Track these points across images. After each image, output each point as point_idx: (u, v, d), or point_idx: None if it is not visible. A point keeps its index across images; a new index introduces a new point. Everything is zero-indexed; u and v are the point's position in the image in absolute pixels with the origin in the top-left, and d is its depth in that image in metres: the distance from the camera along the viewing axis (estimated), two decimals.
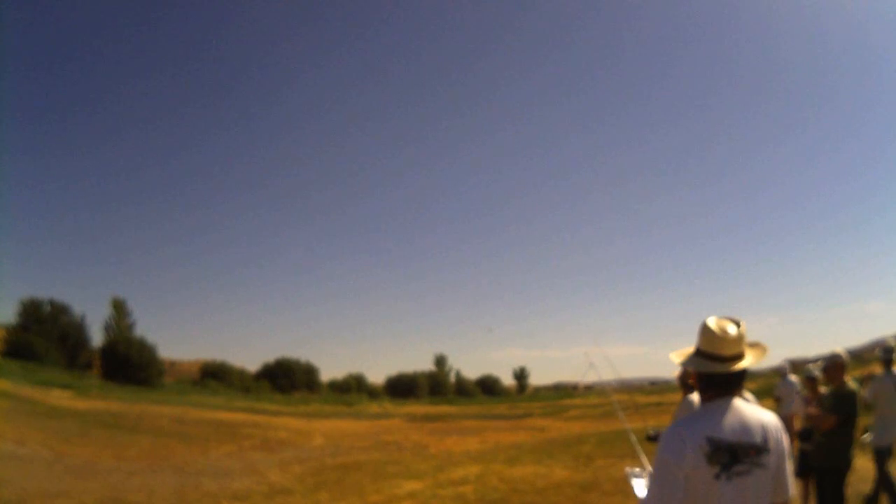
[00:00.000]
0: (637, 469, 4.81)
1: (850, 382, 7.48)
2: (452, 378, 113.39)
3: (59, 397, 41.26)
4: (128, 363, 63.85)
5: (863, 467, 9.11)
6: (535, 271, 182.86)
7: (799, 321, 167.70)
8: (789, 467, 3.19)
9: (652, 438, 5.08)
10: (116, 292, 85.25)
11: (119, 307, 72.01)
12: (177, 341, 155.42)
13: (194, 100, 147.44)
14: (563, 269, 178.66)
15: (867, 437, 8.46)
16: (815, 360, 8.56)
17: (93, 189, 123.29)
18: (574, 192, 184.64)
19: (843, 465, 7.27)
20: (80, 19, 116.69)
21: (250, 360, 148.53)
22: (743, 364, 3.18)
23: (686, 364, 3.32)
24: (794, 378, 12.56)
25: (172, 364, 78.45)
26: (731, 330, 3.20)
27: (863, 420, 8.12)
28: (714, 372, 3.17)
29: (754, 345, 3.35)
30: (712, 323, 3.24)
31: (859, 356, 69.43)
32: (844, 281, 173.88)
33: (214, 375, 78.63)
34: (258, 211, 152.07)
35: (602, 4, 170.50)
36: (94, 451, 22.15)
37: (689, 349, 3.34)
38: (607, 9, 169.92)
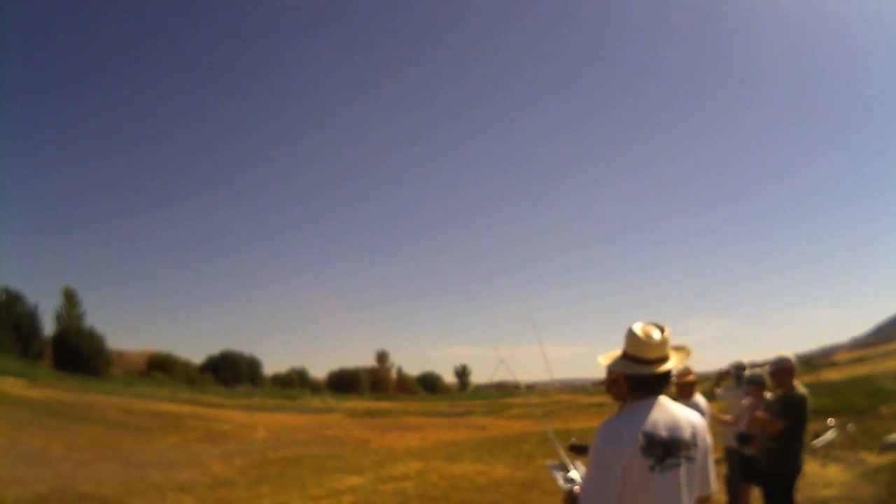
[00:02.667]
0: (557, 462, 4.76)
1: (800, 387, 7.35)
2: (394, 374, 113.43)
3: (13, 385, 40.69)
4: (78, 353, 63.11)
5: (812, 473, 9.27)
6: (477, 269, 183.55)
7: (748, 325, 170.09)
8: (712, 464, 3.39)
9: (575, 448, 5.14)
10: (68, 283, 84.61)
11: (70, 297, 71.02)
12: (124, 332, 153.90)
13: (152, 97, 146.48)
14: (509, 267, 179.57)
15: (817, 441, 8.34)
16: (762, 365, 8.57)
17: (50, 182, 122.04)
18: (519, 190, 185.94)
19: (792, 471, 7.23)
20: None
21: (195, 352, 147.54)
22: (667, 366, 3.34)
23: (613, 367, 3.47)
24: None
25: (120, 355, 77.30)
26: (656, 335, 3.37)
27: (812, 426, 8.09)
28: (639, 374, 3.32)
29: (679, 348, 3.52)
30: (638, 328, 3.41)
31: (808, 362, 70.72)
32: (795, 287, 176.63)
33: (160, 367, 77.84)
34: (206, 208, 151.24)
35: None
36: (45, 439, 21.96)
37: (617, 352, 3.49)
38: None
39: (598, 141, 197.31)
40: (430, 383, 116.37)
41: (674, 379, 7.63)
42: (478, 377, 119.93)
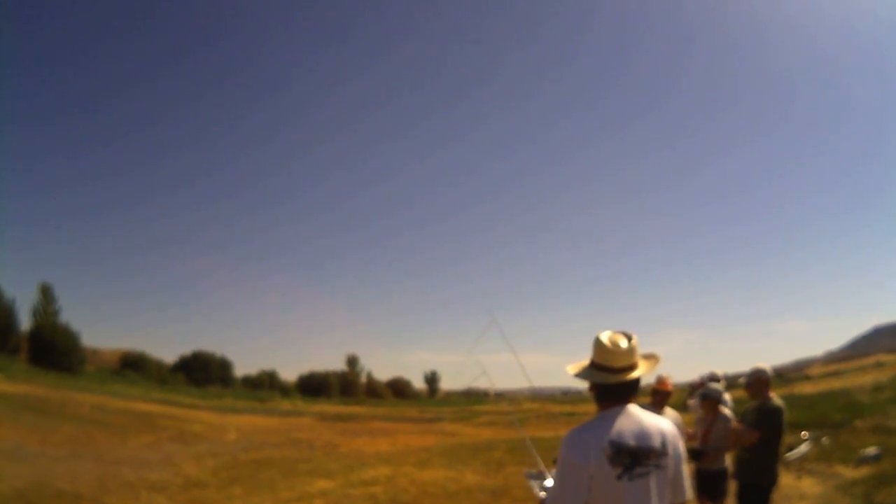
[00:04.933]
0: (534, 471, 4.82)
1: (776, 399, 7.27)
2: (363, 379, 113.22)
3: None
4: (53, 349, 62.26)
5: (786, 485, 9.30)
6: (448, 275, 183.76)
7: (719, 337, 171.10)
8: (686, 471, 3.31)
9: (533, 477, 4.90)
10: (43, 277, 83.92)
11: (46, 293, 70.04)
12: (97, 329, 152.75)
13: (124, 92, 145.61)
14: (478, 275, 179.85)
15: (791, 454, 8.06)
16: (738, 377, 8.49)
17: (27, 175, 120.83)
18: (490, 198, 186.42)
19: (767, 482, 7.13)
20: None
21: (167, 351, 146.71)
22: (635, 374, 3.30)
23: (580, 376, 3.41)
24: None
25: (94, 352, 76.43)
26: (623, 343, 3.32)
27: (786, 438, 8.03)
28: (607, 382, 3.29)
29: (648, 356, 3.49)
30: (605, 337, 3.37)
31: (781, 374, 70.94)
32: (769, 300, 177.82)
33: (133, 365, 77.08)
34: (179, 208, 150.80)
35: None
36: (21, 434, 21.91)
37: (585, 361, 3.44)
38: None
39: (567, 148, 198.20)
40: (399, 389, 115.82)
41: (652, 384, 7.67)
42: (447, 384, 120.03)
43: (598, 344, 3.36)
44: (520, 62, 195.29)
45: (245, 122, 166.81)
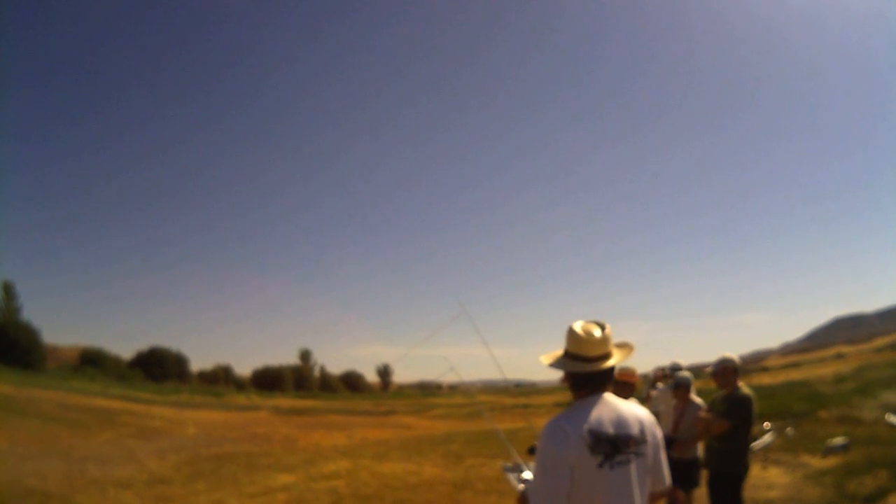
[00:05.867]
0: (511, 464, 4.86)
1: (744, 388, 7.26)
2: (317, 373, 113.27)
3: None
4: (15, 346, 62.00)
5: (753, 475, 9.41)
6: (399, 269, 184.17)
7: (675, 328, 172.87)
8: (664, 458, 3.34)
9: (510, 470, 5.04)
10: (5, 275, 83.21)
11: (8, 290, 69.92)
12: (55, 325, 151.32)
13: (88, 95, 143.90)
14: (432, 268, 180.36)
15: (754, 444, 7.68)
16: (705, 366, 8.61)
17: None
18: (443, 192, 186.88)
19: (740, 471, 7.16)
20: None
21: (124, 347, 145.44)
22: (609, 363, 3.29)
23: (554, 366, 3.40)
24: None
25: (54, 349, 76.05)
26: (596, 332, 3.31)
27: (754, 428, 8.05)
28: (581, 371, 3.28)
29: (622, 345, 3.49)
30: (578, 327, 3.36)
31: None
32: (726, 292, 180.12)
33: (92, 362, 76.37)
34: (133, 205, 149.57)
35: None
36: None
37: (558, 351, 3.42)
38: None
39: (532, 140, 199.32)
40: (352, 382, 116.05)
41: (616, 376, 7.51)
42: (401, 376, 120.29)
43: (571, 333, 3.36)
44: (485, 62, 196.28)
45: (191, 119, 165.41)
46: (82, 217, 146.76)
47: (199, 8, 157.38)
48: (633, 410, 3.26)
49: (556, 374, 3.51)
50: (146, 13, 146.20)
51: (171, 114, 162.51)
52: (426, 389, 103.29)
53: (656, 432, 3.30)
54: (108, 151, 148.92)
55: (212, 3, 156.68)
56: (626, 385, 7.33)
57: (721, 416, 7.24)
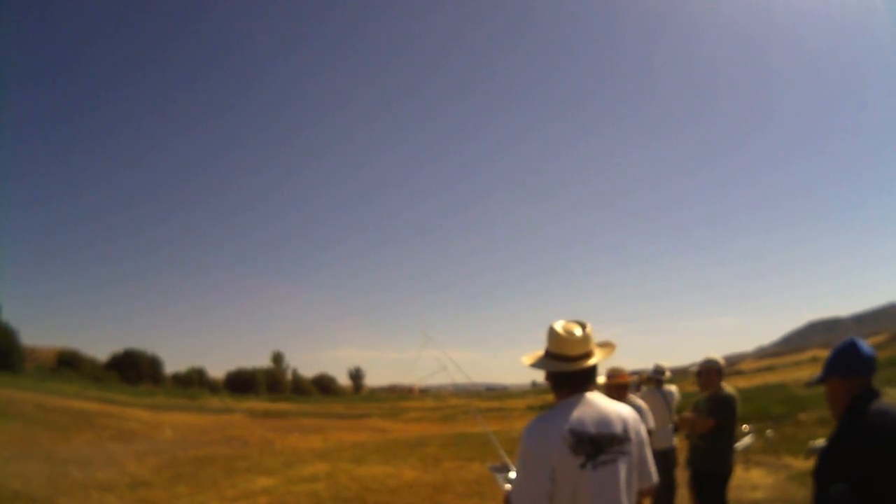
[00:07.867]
0: (498, 464, 4.73)
1: (728, 388, 7.29)
2: (289, 375, 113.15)
3: None
4: None
5: (736, 476, 9.54)
6: (370, 272, 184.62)
7: (647, 332, 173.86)
8: (650, 455, 3.28)
9: (497, 470, 5.15)
10: None
11: None
12: (33, 327, 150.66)
13: (70, 98, 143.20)
14: (400, 273, 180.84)
15: (738, 445, 7.89)
16: (689, 367, 8.69)
17: None
18: (415, 194, 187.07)
19: (725, 470, 7.15)
20: None
21: (99, 349, 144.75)
22: (591, 362, 3.25)
23: (536, 366, 3.35)
24: (671, 388, 10.01)
25: (32, 350, 75.71)
26: (577, 332, 3.28)
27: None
28: (563, 371, 3.24)
29: (604, 344, 3.44)
30: (559, 326, 3.33)
31: None
32: (699, 296, 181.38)
33: (69, 363, 76.28)
34: (109, 208, 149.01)
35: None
36: None
37: (539, 352, 3.39)
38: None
39: (499, 142, 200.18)
40: (324, 385, 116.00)
41: (604, 380, 7.41)
42: (371, 380, 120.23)
43: (552, 333, 3.33)
44: (455, 67, 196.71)
45: (165, 130, 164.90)
46: (60, 221, 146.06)
47: (199, 8, 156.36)
48: (617, 409, 3.20)
49: (527, 378, 3.48)
50: (142, 16, 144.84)
51: (146, 125, 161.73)
52: (398, 392, 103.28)
53: (641, 429, 3.25)
54: (85, 157, 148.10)
55: (212, 3, 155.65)
56: (618, 387, 7.30)
57: (705, 415, 7.25)
